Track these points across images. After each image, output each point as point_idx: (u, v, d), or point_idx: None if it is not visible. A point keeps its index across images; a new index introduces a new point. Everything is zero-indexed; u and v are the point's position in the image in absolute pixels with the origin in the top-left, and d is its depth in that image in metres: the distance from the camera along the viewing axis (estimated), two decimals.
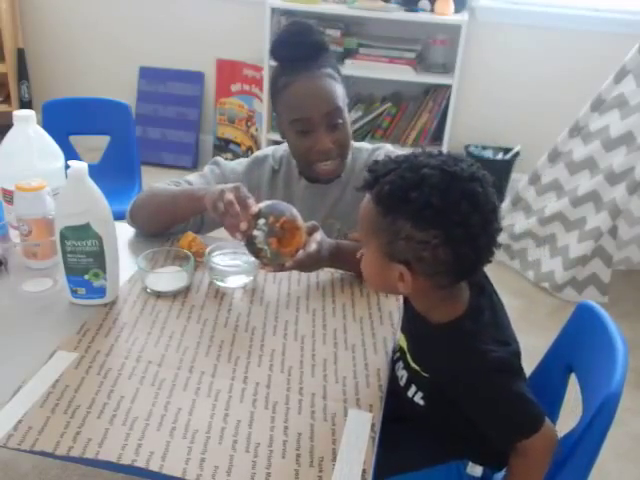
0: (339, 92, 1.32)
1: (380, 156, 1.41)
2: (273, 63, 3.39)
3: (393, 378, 1.07)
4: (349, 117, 1.36)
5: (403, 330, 1.07)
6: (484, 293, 0.99)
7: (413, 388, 1.03)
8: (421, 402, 1.02)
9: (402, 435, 1.05)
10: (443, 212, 0.84)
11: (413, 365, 1.01)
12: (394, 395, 1.04)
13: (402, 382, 1.06)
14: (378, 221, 0.89)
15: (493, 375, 0.91)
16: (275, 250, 1.10)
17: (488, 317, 0.96)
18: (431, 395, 1.01)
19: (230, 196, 1.13)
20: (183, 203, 1.29)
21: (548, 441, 0.94)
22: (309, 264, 1.18)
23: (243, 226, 1.10)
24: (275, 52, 1.35)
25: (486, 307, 0.97)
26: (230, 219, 1.13)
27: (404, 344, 1.05)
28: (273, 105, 1.39)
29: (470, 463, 1.05)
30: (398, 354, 1.08)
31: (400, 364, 1.07)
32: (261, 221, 1.10)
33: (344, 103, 1.33)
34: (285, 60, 1.34)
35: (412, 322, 1.03)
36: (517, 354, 0.97)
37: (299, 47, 1.31)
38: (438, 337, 0.95)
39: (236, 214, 1.11)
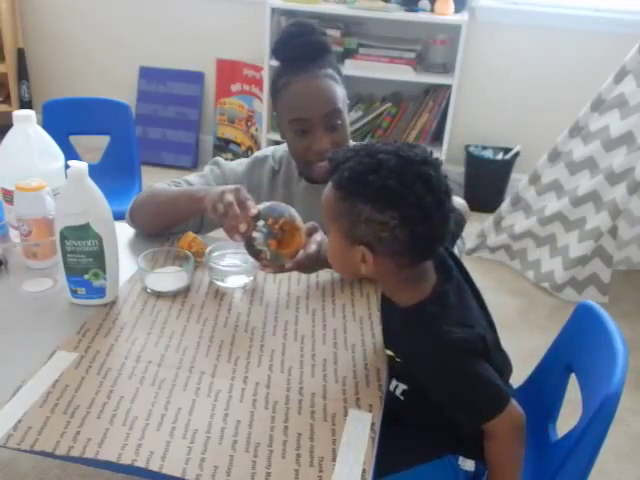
0: (339, 93, 1.33)
1: None
2: (273, 63, 3.39)
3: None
4: (348, 119, 1.36)
5: (381, 320, 1.10)
6: (451, 277, 1.01)
7: (394, 382, 1.05)
8: (401, 397, 1.04)
9: (392, 435, 1.05)
10: (399, 194, 0.88)
11: (387, 351, 1.04)
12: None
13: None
14: (339, 206, 0.93)
15: (454, 356, 0.94)
16: (275, 251, 1.11)
17: (453, 301, 0.98)
18: (409, 386, 1.03)
19: (230, 198, 1.13)
20: (183, 204, 1.29)
21: (515, 420, 0.96)
22: (309, 265, 1.18)
23: (242, 228, 1.11)
24: (277, 52, 1.35)
25: (452, 291, 0.99)
26: (229, 221, 1.13)
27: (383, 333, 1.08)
28: (273, 104, 1.39)
29: (461, 457, 1.06)
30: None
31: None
32: (260, 223, 1.10)
33: (344, 105, 1.34)
34: (286, 60, 1.34)
35: (384, 308, 1.07)
36: (481, 337, 0.97)
37: (301, 47, 1.31)
38: (404, 320, 0.98)
39: (235, 216, 1.11)
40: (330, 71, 1.33)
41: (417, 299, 0.97)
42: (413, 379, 1.02)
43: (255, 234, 1.10)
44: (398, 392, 1.05)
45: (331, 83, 1.32)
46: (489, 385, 0.95)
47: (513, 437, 0.96)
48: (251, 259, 1.20)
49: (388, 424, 1.02)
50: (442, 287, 0.99)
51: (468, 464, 1.06)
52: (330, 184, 0.96)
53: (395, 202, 0.88)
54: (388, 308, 1.05)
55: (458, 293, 1.01)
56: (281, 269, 1.16)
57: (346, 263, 0.98)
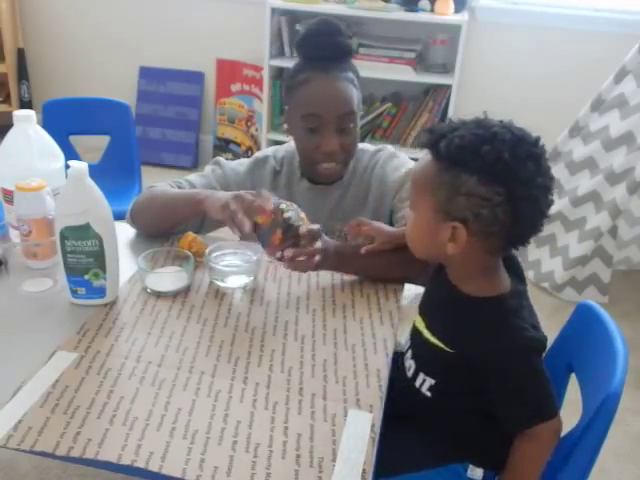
0: (355, 98, 1.33)
1: (382, 158, 1.41)
2: (273, 63, 3.39)
3: (399, 372, 1.08)
4: (359, 123, 1.36)
5: (421, 311, 1.08)
6: (524, 282, 1.02)
7: (421, 377, 1.04)
8: (428, 393, 1.03)
9: (403, 435, 1.05)
10: (511, 168, 0.85)
11: (434, 341, 1.01)
12: (398, 391, 1.05)
13: (410, 372, 1.06)
14: (438, 177, 0.90)
15: (528, 353, 0.94)
16: (307, 224, 1.14)
17: (526, 303, 0.99)
18: (442, 381, 1.02)
19: (250, 196, 1.15)
20: (182, 206, 1.29)
21: (558, 430, 0.98)
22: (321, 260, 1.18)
23: (247, 228, 1.11)
24: (301, 48, 1.35)
25: (525, 293, 1.01)
26: (245, 222, 1.12)
27: (421, 324, 1.06)
28: (286, 98, 1.38)
29: (470, 466, 1.06)
30: (408, 344, 1.10)
31: (409, 354, 1.08)
32: (283, 205, 1.13)
33: (358, 110, 1.34)
34: (309, 57, 1.33)
35: (439, 297, 1.04)
36: (546, 340, 0.99)
37: (326, 47, 1.31)
38: (476, 310, 0.97)
39: (258, 208, 1.12)
40: (350, 75, 1.33)
41: (494, 292, 0.96)
42: (445, 373, 1.01)
43: (286, 215, 1.13)
44: (425, 388, 1.03)
45: (350, 86, 1.32)
46: (550, 388, 0.97)
47: (552, 443, 0.98)
48: (253, 258, 1.21)
49: (401, 424, 1.03)
50: (520, 286, 0.99)
51: (477, 473, 1.06)
52: (428, 156, 0.92)
53: (505, 177, 0.85)
54: (444, 296, 1.02)
55: (527, 294, 1.03)
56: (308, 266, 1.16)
57: (430, 242, 0.95)
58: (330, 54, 1.31)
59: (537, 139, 0.90)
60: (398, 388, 1.05)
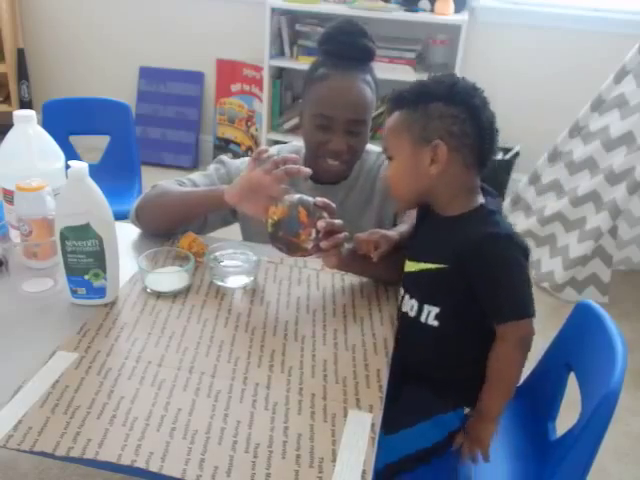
0: (371, 103, 1.33)
1: (386, 160, 1.41)
2: (273, 63, 3.38)
3: (401, 323, 1.14)
4: (369, 129, 1.35)
5: (411, 255, 1.13)
6: (497, 196, 1.12)
7: (426, 309, 1.09)
8: (435, 323, 1.08)
9: (405, 389, 1.10)
10: (467, 92, 1.04)
11: (430, 267, 1.08)
12: (403, 339, 1.11)
13: (413, 312, 1.11)
14: (409, 117, 1.06)
15: (512, 245, 1.01)
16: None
17: (501, 211, 1.09)
18: (446, 304, 1.07)
19: (260, 172, 1.17)
20: (198, 200, 1.29)
21: (528, 332, 1.02)
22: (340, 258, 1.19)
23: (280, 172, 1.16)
24: (324, 45, 1.34)
25: (499, 202, 1.11)
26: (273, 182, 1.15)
27: (414, 266, 1.12)
28: (303, 90, 1.38)
29: (467, 409, 1.11)
30: (403, 292, 1.15)
31: (407, 298, 1.13)
32: (286, 196, 1.14)
33: (371, 114, 1.34)
34: (331, 54, 1.33)
35: (427, 234, 1.13)
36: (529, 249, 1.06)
37: (349, 46, 1.31)
38: (462, 223, 1.05)
39: (277, 163, 1.17)
40: (368, 77, 1.33)
41: (473, 206, 1.06)
42: (447, 296, 1.07)
43: (296, 196, 1.14)
44: (431, 318, 1.08)
45: (367, 90, 1.31)
46: (529, 288, 1.02)
47: (520, 346, 1.02)
48: (252, 258, 1.21)
49: (403, 379, 1.09)
50: (495, 199, 1.10)
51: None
52: (396, 111, 1.08)
53: (464, 98, 1.03)
54: (432, 222, 1.11)
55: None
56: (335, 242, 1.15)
57: (414, 174, 1.06)
58: (351, 54, 1.31)
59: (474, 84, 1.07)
60: (403, 337, 1.12)
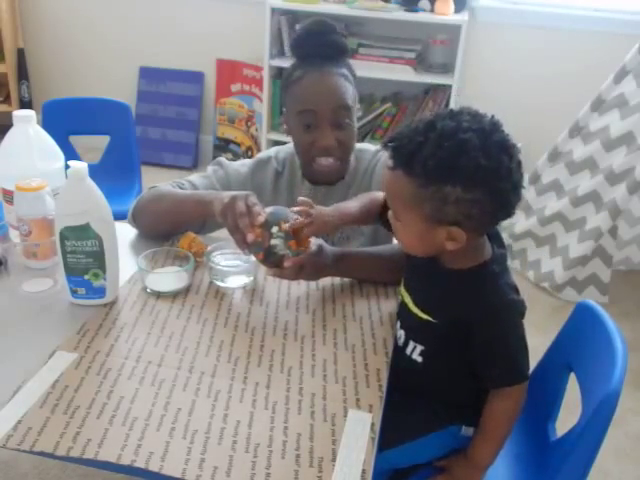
0: (350, 92, 1.33)
1: (383, 157, 1.41)
2: (273, 63, 3.39)
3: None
4: (356, 122, 1.36)
5: (406, 286, 1.10)
6: (503, 245, 1.05)
7: (411, 344, 1.07)
8: (419, 358, 1.06)
9: (400, 405, 1.08)
10: (491, 169, 0.87)
11: (421, 315, 1.04)
12: (392, 362, 1.08)
13: (400, 341, 1.10)
14: (419, 193, 0.90)
15: (511, 314, 0.98)
16: (296, 251, 1.12)
17: (507, 267, 1.03)
18: (430, 346, 1.05)
19: (242, 207, 1.13)
20: (190, 207, 1.28)
21: (524, 393, 1.03)
22: (311, 271, 1.17)
23: (250, 238, 1.10)
24: (294, 48, 1.35)
25: (505, 257, 1.04)
26: (240, 232, 1.12)
27: (407, 299, 1.08)
28: (283, 98, 1.39)
29: (463, 427, 1.10)
30: (397, 315, 1.13)
31: (398, 324, 1.11)
32: (274, 229, 1.11)
33: (354, 104, 1.34)
34: (303, 57, 1.34)
35: (424, 273, 1.06)
36: (525, 308, 1.02)
37: (319, 46, 1.31)
38: (462, 280, 1.00)
39: (246, 226, 1.11)
40: (345, 71, 1.33)
41: (478, 261, 0.99)
42: (433, 340, 1.04)
43: (274, 241, 1.11)
44: (416, 354, 1.07)
45: (344, 81, 1.32)
46: (525, 351, 1.01)
47: (522, 401, 1.03)
48: (252, 259, 1.21)
49: (397, 395, 1.07)
50: (500, 250, 1.03)
51: (471, 431, 1.10)
52: (398, 173, 0.92)
53: (487, 178, 0.88)
54: (427, 273, 1.04)
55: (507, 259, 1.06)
56: (295, 274, 1.15)
57: (428, 244, 0.97)
58: (323, 52, 1.31)
59: (494, 122, 0.93)
60: (392, 360, 1.09)
